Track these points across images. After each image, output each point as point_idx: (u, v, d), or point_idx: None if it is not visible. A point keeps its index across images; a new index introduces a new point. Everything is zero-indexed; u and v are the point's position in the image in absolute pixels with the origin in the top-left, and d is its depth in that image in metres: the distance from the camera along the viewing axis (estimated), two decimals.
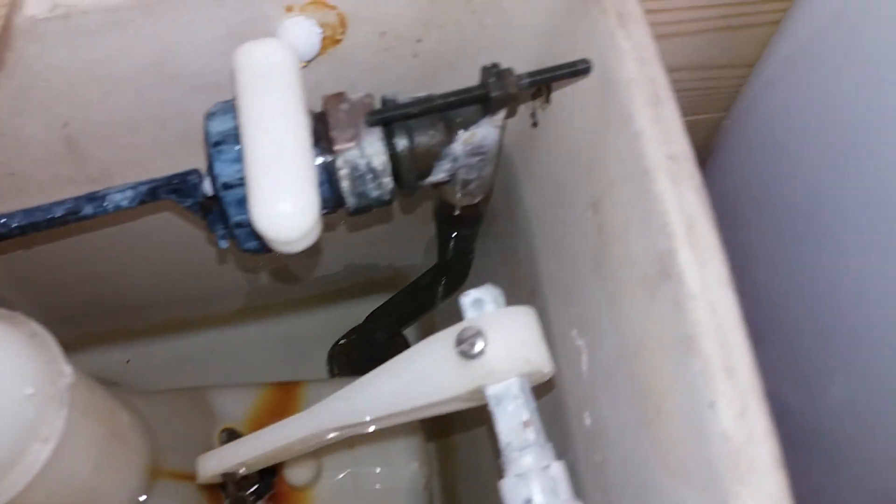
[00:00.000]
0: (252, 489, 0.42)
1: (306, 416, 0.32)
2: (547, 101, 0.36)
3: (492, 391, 0.27)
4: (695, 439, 0.25)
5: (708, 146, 0.56)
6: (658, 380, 0.27)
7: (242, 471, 0.36)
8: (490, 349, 0.27)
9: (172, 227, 0.44)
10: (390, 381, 0.29)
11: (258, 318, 0.58)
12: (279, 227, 0.26)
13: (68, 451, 0.26)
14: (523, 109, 0.38)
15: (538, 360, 0.27)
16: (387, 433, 0.48)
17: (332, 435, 0.31)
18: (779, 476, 0.23)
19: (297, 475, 0.43)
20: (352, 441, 0.44)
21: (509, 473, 0.26)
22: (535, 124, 0.38)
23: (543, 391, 0.34)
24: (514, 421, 0.27)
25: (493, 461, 0.47)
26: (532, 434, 0.26)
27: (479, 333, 0.27)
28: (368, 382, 0.29)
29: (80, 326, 0.56)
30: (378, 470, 0.45)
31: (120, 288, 0.49)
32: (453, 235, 0.42)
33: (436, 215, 0.42)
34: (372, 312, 0.52)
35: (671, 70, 0.47)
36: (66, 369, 0.27)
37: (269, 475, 0.44)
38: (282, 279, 0.55)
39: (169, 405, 0.40)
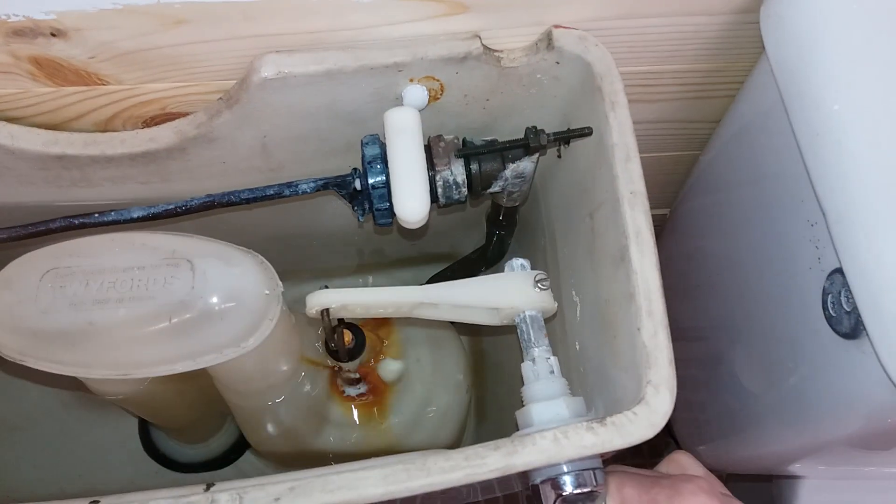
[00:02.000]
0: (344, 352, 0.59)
1: (406, 288, 0.51)
2: (567, 145, 0.56)
3: (529, 313, 0.48)
4: (630, 348, 0.45)
5: (691, 173, 0.75)
6: (615, 317, 0.48)
7: (328, 311, 0.50)
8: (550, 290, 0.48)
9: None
10: (479, 285, 0.50)
11: (359, 273, 0.79)
12: (409, 215, 0.47)
13: (277, 328, 0.47)
14: (550, 151, 0.58)
15: (555, 304, 0.48)
16: (444, 353, 0.69)
17: (415, 307, 0.51)
18: (670, 368, 0.43)
19: (387, 373, 0.64)
20: (419, 355, 0.65)
21: (527, 359, 0.47)
22: (559, 156, 0.58)
23: (553, 330, 0.55)
24: (538, 331, 0.48)
25: (504, 370, 0.69)
26: (544, 340, 0.47)
27: (548, 279, 0.48)
28: (464, 283, 0.50)
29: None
30: (437, 376, 0.66)
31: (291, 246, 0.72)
32: (496, 233, 0.63)
33: (487, 218, 0.62)
34: (435, 274, 0.73)
35: (657, 122, 0.68)
36: (280, 283, 0.47)
37: (360, 341, 0.60)
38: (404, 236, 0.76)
39: (303, 318, 0.59)
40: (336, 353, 0.60)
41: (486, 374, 0.76)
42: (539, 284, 0.49)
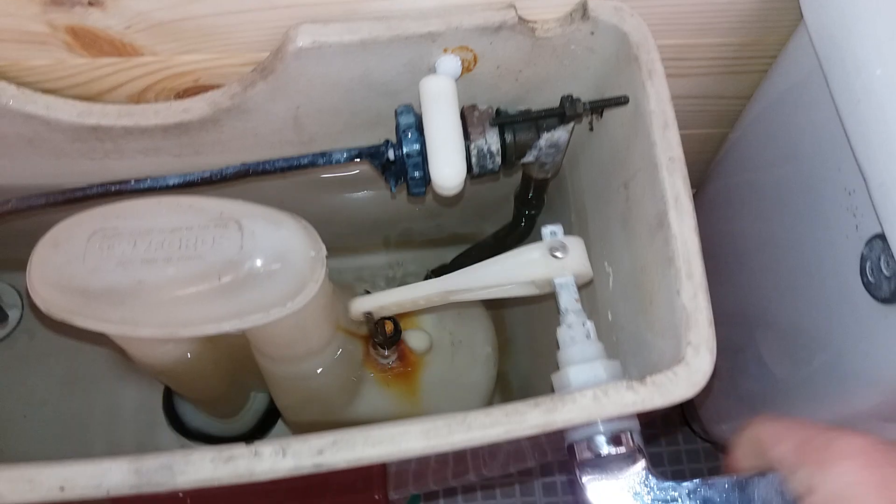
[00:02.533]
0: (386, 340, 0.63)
1: (435, 281, 0.52)
2: (600, 116, 0.56)
3: (559, 280, 0.48)
4: (668, 312, 0.45)
5: (718, 152, 0.75)
6: (651, 284, 0.48)
7: (371, 314, 0.57)
8: (568, 255, 0.47)
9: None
10: (500, 264, 0.50)
11: (386, 252, 0.80)
12: (446, 182, 0.47)
13: (321, 292, 0.47)
14: (584, 120, 0.58)
15: (588, 267, 0.48)
16: (473, 327, 0.69)
17: (448, 296, 0.52)
18: (710, 329, 0.43)
19: (417, 343, 0.64)
20: (451, 329, 0.66)
21: (563, 325, 0.46)
22: (591, 129, 0.58)
23: (584, 302, 0.55)
24: (570, 298, 0.47)
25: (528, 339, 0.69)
26: (578, 306, 0.47)
27: (564, 247, 0.48)
28: (486, 265, 0.50)
29: None
30: (466, 349, 0.66)
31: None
32: (525, 212, 0.63)
33: (516, 196, 0.63)
34: (461, 253, 0.73)
35: (688, 97, 0.67)
36: (323, 246, 0.48)
37: (396, 337, 0.64)
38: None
39: (340, 289, 0.60)
40: (380, 343, 0.64)
41: (510, 350, 0.76)
42: (555, 253, 0.49)
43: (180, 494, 0.51)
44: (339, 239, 0.77)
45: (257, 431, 0.73)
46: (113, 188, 0.52)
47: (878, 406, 0.54)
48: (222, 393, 0.66)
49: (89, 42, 0.53)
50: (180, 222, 0.44)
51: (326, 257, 0.47)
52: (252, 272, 0.43)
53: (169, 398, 0.74)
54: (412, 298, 0.56)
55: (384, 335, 0.63)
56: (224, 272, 0.43)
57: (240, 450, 0.39)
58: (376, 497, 0.63)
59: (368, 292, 0.63)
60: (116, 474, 0.39)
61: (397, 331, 0.64)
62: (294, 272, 0.45)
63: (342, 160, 0.52)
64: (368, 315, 0.59)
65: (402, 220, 0.76)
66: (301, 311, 0.47)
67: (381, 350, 0.63)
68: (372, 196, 0.73)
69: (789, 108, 0.58)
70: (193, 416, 0.74)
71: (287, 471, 0.39)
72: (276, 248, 0.44)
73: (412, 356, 0.65)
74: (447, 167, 0.47)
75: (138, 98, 0.59)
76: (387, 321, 0.63)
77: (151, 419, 0.76)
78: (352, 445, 0.39)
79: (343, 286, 0.65)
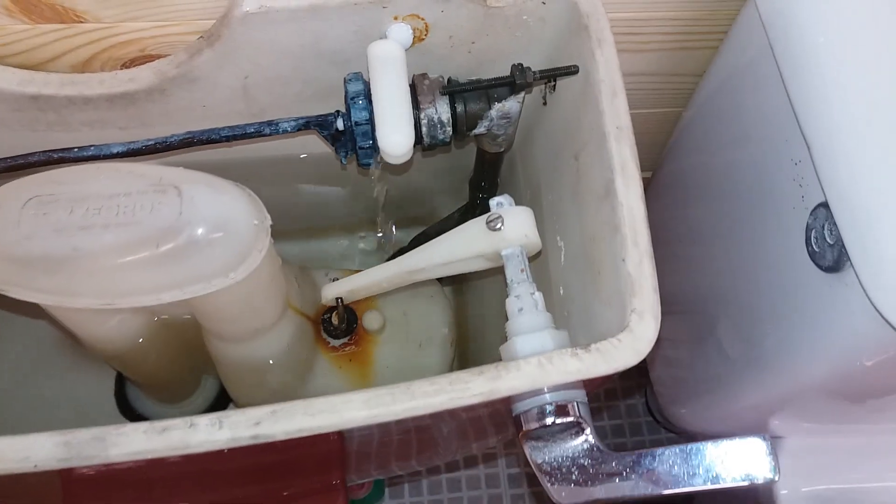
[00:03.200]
0: (342, 325, 0.64)
1: (393, 263, 0.52)
2: (553, 90, 0.55)
3: (505, 252, 0.47)
4: (614, 280, 0.45)
5: (673, 133, 0.75)
6: (599, 254, 0.47)
7: (342, 299, 0.58)
8: (506, 227, 0.47)
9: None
10: (446, 242, 0.49)
11: (341, 234, 0.80)
12: (393, 148, 0.46)
13: (265, 263, 0.46)
14: (537, 92, 0.57)
15: (532, 237, 0.47)
16: (428, 306, 0.69)
17: (408, 276, 0.52)
18: (655, 296, 0.42)
19: (370, 322, 0.64)
20: (404, 308, 0.65)
21: (511, 295, 0.46)
22: (544, 103, 0.58)
23: (536, 277, 0.54)
24: (516, 269, 0.47)
25: (487, 319, 0.68)
26: (525, 276, 0.47)
27: (500, 218, 0.47)
28: (434, 243, 0.50)
29: None
30: (421, 328, 0.66)
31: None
32: (480, 196, 0.63)
33: (470, 183, 0.63)
34: (419, 233, 0.73)
35: (642, 74, 0.67)
36: (268, 215, 0.47)
37: (352, 320, 0.65)
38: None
39: (291, 269, 0.60)
40: (335, 330, 0.65)
41: (469, 332, 0.76)
42: (491, 226, 0.48)
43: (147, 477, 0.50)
44: (295, 221, 0.76)
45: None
46: (55, 156, 0.50)
47: (826, 380, 0.54)
48: (173, 377, 0.65)
49: (29, 6, 0.52)
50: (119, 188, 0.43)
51: (271, 226, 0.46)
52: (192, 240, 0.42)
53: (121, 388, 0.73)
54: (376, 280, 0.57)
55: (338, 325, 0.64)
56: (162, 240, 0.42)
57: (175, 421, 0.38)
58: (335, 482, 0.63)
59: (336, 279, 0.64)
60: (44, 447, 0.38)
61: (350, 322, 0.65)
62: (236, 241, 0.44)
63: (289, 129, 0.51)
64: (339, 300, 0.61)
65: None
66: (245, 282, 0.46)
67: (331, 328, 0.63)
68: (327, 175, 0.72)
69: (740, 83, 0.58)
70: (145, 405, 0.73)
71: (224, 442, 0.38)
72: (218, 215, 0.43)
73: (365, 335, 0.64)
74: (395, 133, 0.46)
75: (83, 68, 0.58)
76: (336, 313, 0.64)
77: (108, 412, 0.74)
78: (291, 416, 0.38)
79: (300, 268, 0.65)
